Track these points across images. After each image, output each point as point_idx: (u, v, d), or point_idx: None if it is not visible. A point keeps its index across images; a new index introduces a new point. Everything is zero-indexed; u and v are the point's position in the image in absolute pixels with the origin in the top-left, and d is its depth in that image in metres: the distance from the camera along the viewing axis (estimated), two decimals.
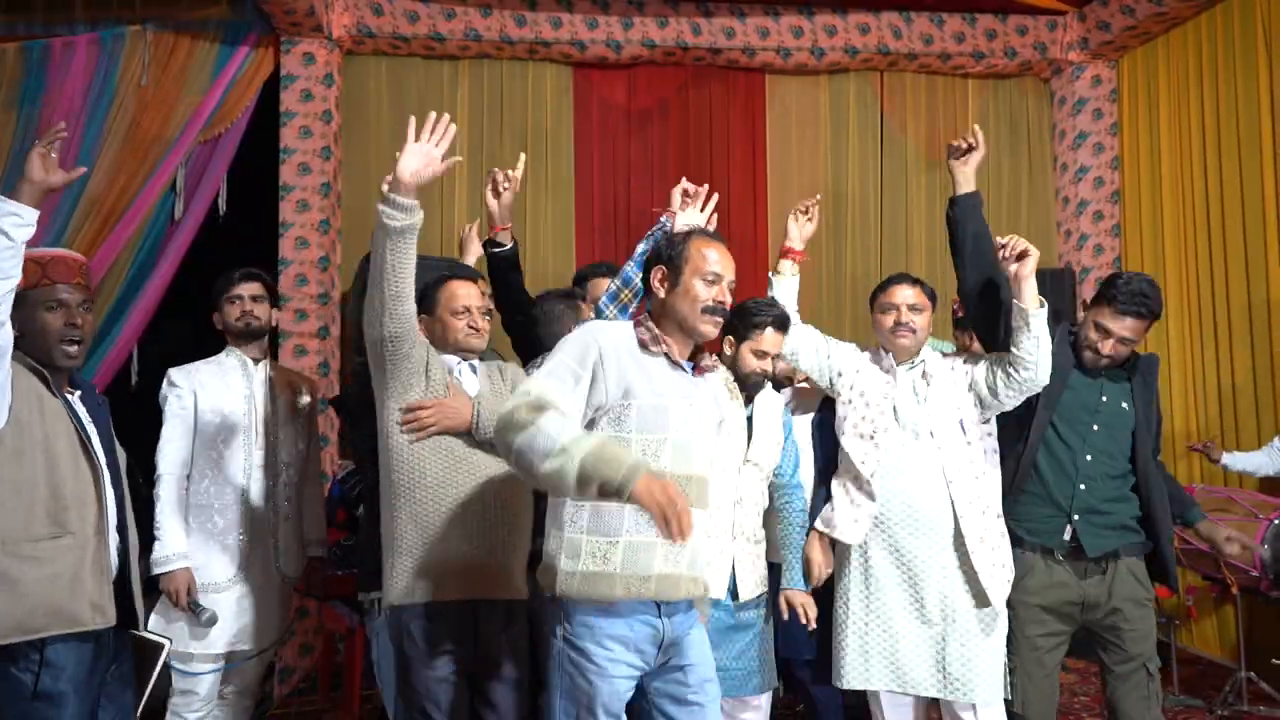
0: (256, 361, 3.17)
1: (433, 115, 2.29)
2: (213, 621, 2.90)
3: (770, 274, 3.11)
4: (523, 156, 3.14)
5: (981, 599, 2.75)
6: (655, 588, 2.08)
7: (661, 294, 2.21)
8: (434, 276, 2.61)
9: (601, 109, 5.45)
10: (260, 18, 4.82)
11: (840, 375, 2.99)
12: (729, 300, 2.21)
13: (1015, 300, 2.72)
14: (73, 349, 2.34)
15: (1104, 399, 2.83)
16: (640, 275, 2.47)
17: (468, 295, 2.57)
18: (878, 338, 3.00)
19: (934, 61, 5.50)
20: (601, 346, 2.10)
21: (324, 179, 5.01)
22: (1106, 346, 2.79)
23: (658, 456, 2.08)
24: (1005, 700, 2.80)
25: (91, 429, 2.37)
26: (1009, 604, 2.81)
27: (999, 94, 5.68)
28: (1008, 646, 2.83)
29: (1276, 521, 3.81)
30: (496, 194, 3.03)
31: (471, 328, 2.54)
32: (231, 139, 4.89)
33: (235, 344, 3.16)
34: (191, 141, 4.82)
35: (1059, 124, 5.63)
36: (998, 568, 2.77)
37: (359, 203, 5.20)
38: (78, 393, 2.43)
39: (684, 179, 2.85)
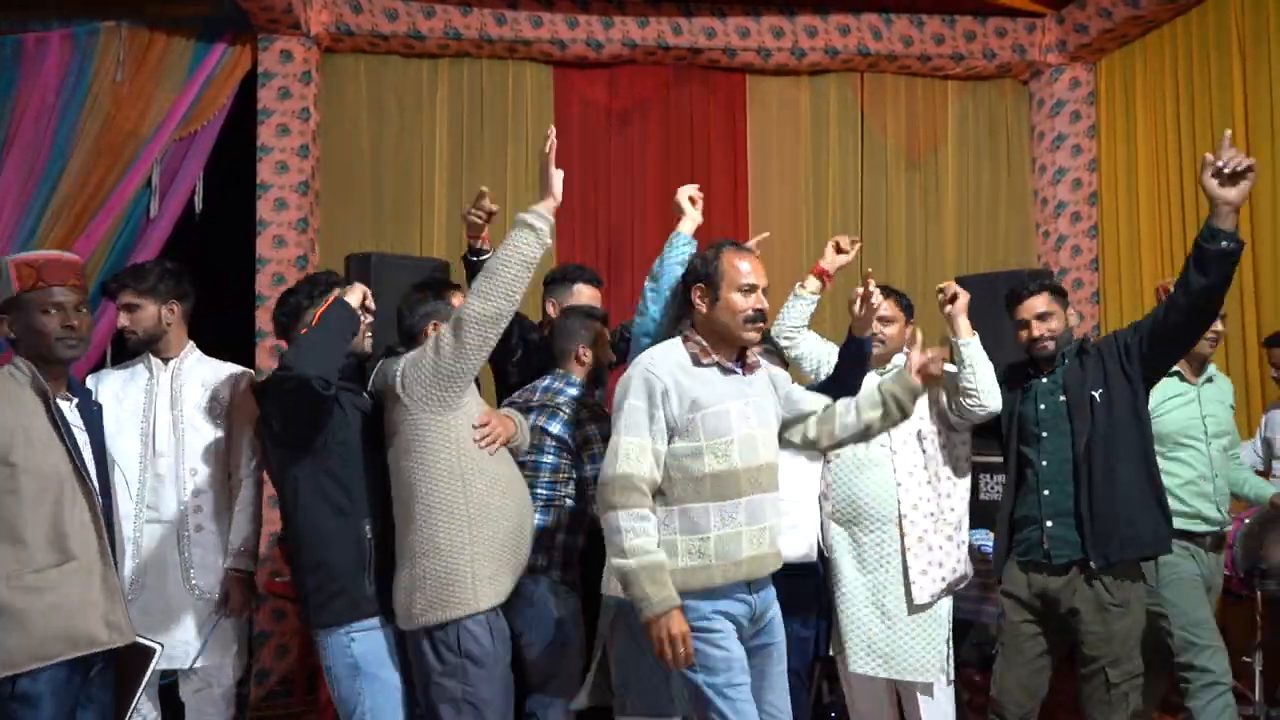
0: (167, 361, 2.91)
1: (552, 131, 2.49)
2: None
3: (797, 286, 3.19)
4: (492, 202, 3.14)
5: (908, 592, 2.94)
6: (747, 569, 2.32)
7: (704, 309, 2.38)
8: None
9: (582, 108, 5.44)
10: (237, 14, 4.76)
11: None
12: (765, 306, 2.38)
13: (950, 335, 2.90)
14: (71, 348, 2.34)
15: (1042, 406, 2.93)
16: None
17: None
18: None
19: (914, 63, 5.51)
20: (661, 377, 2.31)
21: (302, 177, 4.97)
22: (1036, 330, 2.91)
23: (728, 456, 2.29)
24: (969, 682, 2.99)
25: (87, 450, 2.36)
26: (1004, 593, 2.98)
27: (978, 95, 5.70)
28: (997, 634, 3.01)
29: (1247, 521, 3.85)
30: (481, 216, 3.07)
31: None
32: (207, 136, 4.85)
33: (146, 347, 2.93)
34: (167, 139, 4.78)
35: (1037, 125, 5.66)
36: (933, 566, 2.96)
37: (337, 201, 5.17)
38: (75, 400, 2.40)
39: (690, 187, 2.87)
